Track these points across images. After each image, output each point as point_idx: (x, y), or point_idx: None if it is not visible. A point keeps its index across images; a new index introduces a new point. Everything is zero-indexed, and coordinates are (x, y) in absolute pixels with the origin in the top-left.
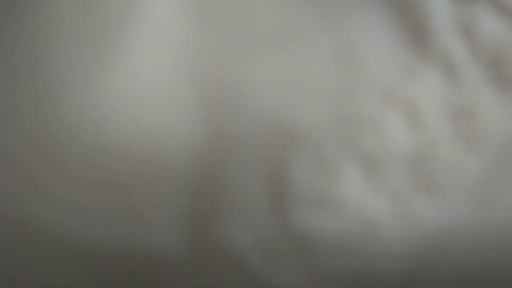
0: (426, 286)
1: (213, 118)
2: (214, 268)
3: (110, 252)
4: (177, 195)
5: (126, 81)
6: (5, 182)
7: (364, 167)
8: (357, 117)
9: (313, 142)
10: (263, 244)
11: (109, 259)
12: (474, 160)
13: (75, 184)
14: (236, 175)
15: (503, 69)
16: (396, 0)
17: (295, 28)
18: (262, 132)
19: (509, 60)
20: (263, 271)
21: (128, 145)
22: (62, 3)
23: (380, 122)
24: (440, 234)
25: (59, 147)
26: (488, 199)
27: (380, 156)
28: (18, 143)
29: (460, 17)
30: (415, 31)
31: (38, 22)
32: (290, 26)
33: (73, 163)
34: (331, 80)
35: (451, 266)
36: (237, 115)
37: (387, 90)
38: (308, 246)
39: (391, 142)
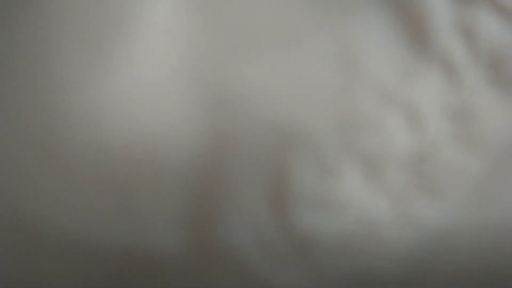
0: (426, 286)
1: (213, 118)
2: (214, 268)
3: (110, 252)
4: (177, 195)
5: (126, 81)
6: (6, 182)
7: (364, 168)
8: (357, 117)
9: (313, 143)
10: (263, 244)
11: (109, 259)
12: (474, 160)
13: (75, 184)
14: (236, 175)
15: (503, 70)
16: (396, 1)
17: (295, 29)
18: (262, 133)
19: (509, 61)
20: (263, 271)
21: (128, 145)
22: (62, 3)
23: (380, 123)
24: (440, 234)
25: (59, 147)
26: (488, 200)
27: (380, 156)
28: (18, 143)
29: (460, 18)
30: (415, 32)
31: (38, 22)
32: (290, 27)
33: (73, 163)
34: (331, 81)
35: (451, 266)
36: (238, 115)
37: (387, 91)
38: (308, 246)
39: (391, 143)
